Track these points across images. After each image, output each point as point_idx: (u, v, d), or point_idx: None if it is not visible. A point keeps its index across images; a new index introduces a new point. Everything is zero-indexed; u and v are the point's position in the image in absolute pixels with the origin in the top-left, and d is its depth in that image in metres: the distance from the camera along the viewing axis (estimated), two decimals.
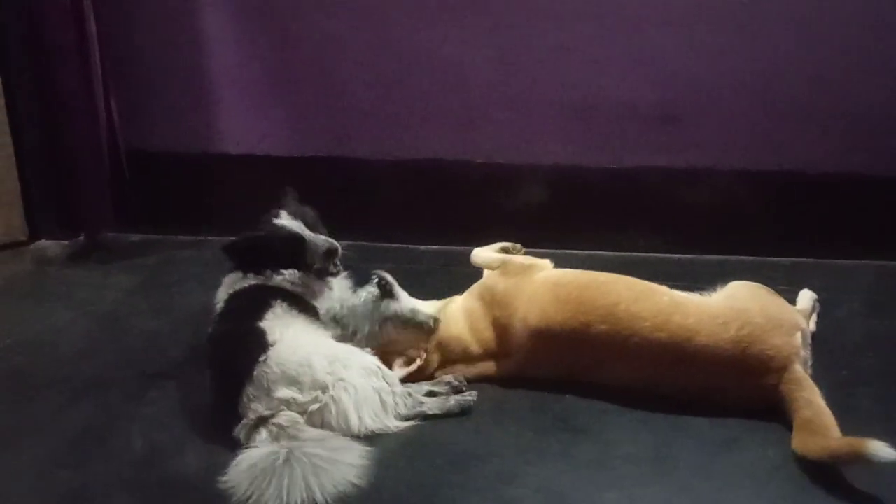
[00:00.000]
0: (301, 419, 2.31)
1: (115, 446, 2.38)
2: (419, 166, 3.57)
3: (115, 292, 3.26)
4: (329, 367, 2.34)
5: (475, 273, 2.91)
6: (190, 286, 3.29)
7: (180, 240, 3.69)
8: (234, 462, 2.18)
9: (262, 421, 2.29)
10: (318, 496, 2.08)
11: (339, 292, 2.78)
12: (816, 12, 3.24)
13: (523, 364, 2.59)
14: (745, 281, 2.66)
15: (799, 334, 2.45)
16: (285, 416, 2.29)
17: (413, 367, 2.57)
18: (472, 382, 2.58)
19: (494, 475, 2.23)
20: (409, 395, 2.44)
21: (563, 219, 3.53)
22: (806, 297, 2.81)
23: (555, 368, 2.58)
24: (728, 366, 2.39)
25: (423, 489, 2.18)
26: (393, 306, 2.62)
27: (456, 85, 3.48)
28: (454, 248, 3.51)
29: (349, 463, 2.18)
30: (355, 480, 2.15)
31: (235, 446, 2.27)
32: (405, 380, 2.52)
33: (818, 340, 2.70)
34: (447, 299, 2.77)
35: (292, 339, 2.40)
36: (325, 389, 2.32)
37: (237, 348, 2.40)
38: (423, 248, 3.60)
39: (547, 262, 2.79)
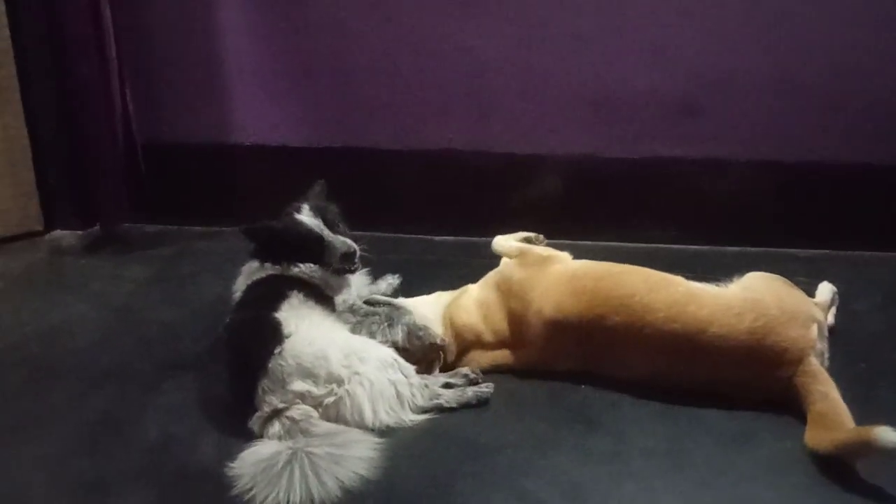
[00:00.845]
0: (315, 412, 2.31)
1: (131, 436, 2.40)
2: (435, 157, 3.56)
3: (130, 283, 3.27)
4: (345, 361, 2.34)
5: (491, 264, 2.89)
6: (205, 277, 3.29)
7: (196, 231, 3.69)
8: (241, 455, 2.19)
9: (276, 413, 2.29)
10: (318, 496, 2.08)
11: (356, 288, 2.78)
12: (837, 3, 3.20)
13: (538, 355, 2.58)
14: (762, 272, 2.64)
15: (815, 326, 2.43)
16: (299, 410, 2.29)
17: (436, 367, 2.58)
18: (487, 373, 2.58)
19: (509, 467, 2.22)
20: (426, 386, 2.44)
21: (581, 209, 3.51)
22: (825, 290, 2.78)
23: (569, 360, 2.57)
24: (742, 357, 2.38)
25: (437, 480, 2.18)
26: (407, 317, 2.61)
27: (472, 75, 3.46)
28: (470, 238, 3.51)
29: (358, 457, 2.18)
30: (365, 474, 2.15)
31: (250, 437, 2.28)
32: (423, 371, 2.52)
33: (837, 333, 2.68)
34: (461, 288, 2.77)
35: (308, 332, 2.39)
36: (340, 383, 2.32)
37: (253, 339, 2.40)
38: (438, 238, 3.59)
39: (566, 255, 2.78)
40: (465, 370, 2.53)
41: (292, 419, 2.27)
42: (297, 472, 2.10)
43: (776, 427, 2.33)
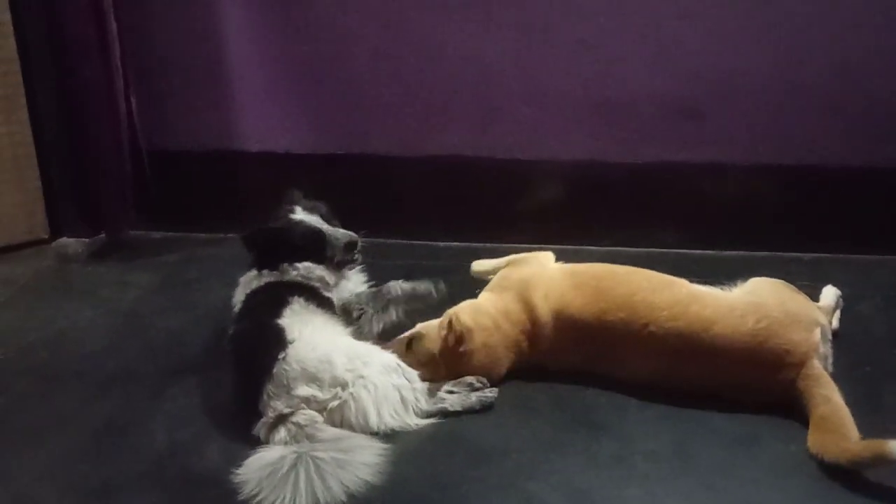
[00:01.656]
0: (320, 417, 2.32)
1: (137, 441, 2.40)
2: (439, 163, 3.56)
3: (136, 289, 3.28)
4: (349, 365, 2.35)
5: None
6: (210, 283, 3.30)
7: (201, 237, 3.70)
8: (247, 460, 2.20)
9: (282, 419, 2.30)
10: (323, 501, 2.09)
11: (354, 285, 2.79)
12: (839, 4, 3.20)
13: (546, 350, 2.57)
14: (766, 277, 2.65)
15: (818, 330, 2.43)
16: (304, 415, 2.30)
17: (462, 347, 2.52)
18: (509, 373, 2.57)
19: (515, 471, 2.23)
20: (431, 391, 2.44)
21: (584, 215, 3.52)
22: (829, 293, 2.79)
23: (574, 356, 2.57)
24: (745, 359, 2.38)
25: (443, 485, 2.19)
26: (393, 286, 2.64)
27: (476, 81, 3.47)
28: (474, 244, 3.52)
29: (363, 462, 2.19)
30: (370, 479, 2.16)
31: (256, 442, 2.29)
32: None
33: (841, 336, 2.68)
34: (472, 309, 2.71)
35: (311, 337, 2.40)
36: (344, 387, 2.33)
37: (257, 347, 2.41)
38: (442, 244, 3.59)
39: (549, 254, 2.81)
40: (469, 378, 2.52)
41: (298, 424, 2.28)
42: (302, 477, 2.11)
43: (781, 430, 2.33)
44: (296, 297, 2.53)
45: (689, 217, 3.49)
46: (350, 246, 2.68)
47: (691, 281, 2.61)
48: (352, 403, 2.32)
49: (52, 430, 2.46)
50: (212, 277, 3.34)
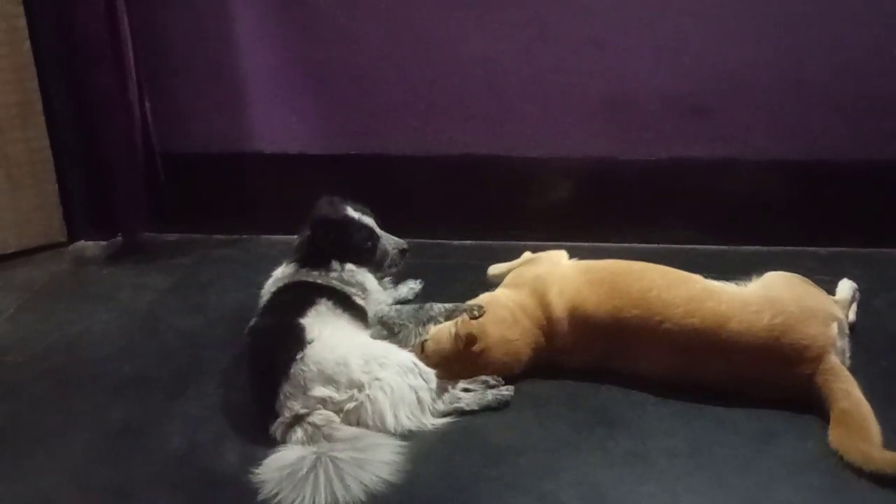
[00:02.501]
0: (336, 418, 2.32)
1: (155, 443, 2.42)
2: (450, 162, 3.57)
3: (152, 292, 3.30)
4: (365, 366, 2.35)
5: None
6: (225, 285, 3.31)
7: (215, 239, 3.72)
8: (266, 461, 2.21)
9: (298, 419, 2.30)
10: (342, 500, 2.09)
11: (386, 296, 2.79)
12: (845, 0, 3.18)
13: (562, 347, 2.57)
14: (781, 272, 2.64)
15: (835, 325, 2.42)
16: (320, 416, 2.30)
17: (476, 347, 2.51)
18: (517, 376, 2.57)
19: (530, 469, 2.23)
20: (446, 390, 2.44)
21: (596, 212, 3.51)
22: (845, 287, 2.77)
23: (589, 353, 2.56)
24: (761, 354, 2.37)
25: (459, 483, 2.19)
26: (437, 306, 2.63)
27: (486, 80, 3.47)
28: (487, 242, 3.52)
29: (381, 461, 2.19)
30: (388, 477, 2.16)
31: (273, 443, 2.30)
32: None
33: (857, 330, 2.67)
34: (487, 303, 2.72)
35: (330, 338, 2.41)
36: (361, 388, 2.33)
37: (275, 344, 2.41)
38: (455, 243, 3.59)
39: (563, 252, 2.81)
40: (483, 377, 2.52)
41: (314, 425, 2.28)
42: (321, 477, 2.11)
43: (798, 426, 2.33)
44: (324, 300, 2.53)
45: (701, 213, 3.48)
46: (402, 253, 2.71)
47: (706, 277, 2.60)
48: (368, 405, 2.32)
49: (70, 433, 2.48)
50: (226, 279, 3.36)
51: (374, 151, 3.61)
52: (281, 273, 2.72)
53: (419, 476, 2.20)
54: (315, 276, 2.64)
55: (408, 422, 2.35)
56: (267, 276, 2.79)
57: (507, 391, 2.48)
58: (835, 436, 2.22)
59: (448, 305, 2.64)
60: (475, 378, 2.51)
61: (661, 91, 3.37)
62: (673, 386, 2.47)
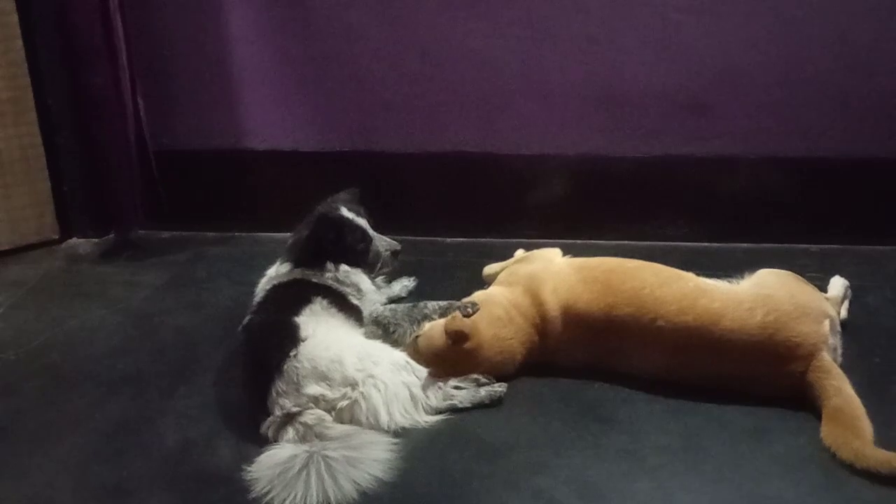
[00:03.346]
0: (328, 417, 2.32)
1: (149, 441, 2.42)
2: (445, 159, 3.57)
3: (146, 289, 3.30)
4: (359, 364, 2.35)
5: None
6: (219, 282, 3.31)
7: (209, 236, 3.71)
8: (259, 458, 2.21)
9: (290, 418, 2.30)
10: (334, 499, 2.09)
11: (380, 295, 2.79)
12: None
13: (556, 345, 2.57)
14: (773, 269, 2.64)
15: (827, 322, 2.43)
16: (312, 415, 2.30)
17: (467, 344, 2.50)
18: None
19: (524, 466, 2.23)
20: (439, 388, 2.44)
21: (591, 209, 3.52)
22: (837, 285, 2.79)
23: (583, 351, 2.57)
24: (754, 352, 2.38)
25: (452, 480, 2.19)
26: (431, 303, 2.63)
27: (481, 77, 3.47)
28: (481, 240, 3.53)
29: (374, 459, 2.19)
30: (381, 475, 2.16)
31: (267, 441, 2.30)
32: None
33: (850, 328, 2.68)
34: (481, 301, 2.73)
35: (324, 336, 2.41)
36: (354, 386, 2.33)
37: (269, 341, 2.42)
38: (449, 240, 3.60)
39: (556, 250, 2.81)
40: (475, 375, 2.52)
41: (306, 424, 2.28)
42: (313, 475, 2.11)
43: (791, 423, 2.34)
44: (318, 298, 2.53)
45: (696, 210, 3.48)
46: (394, 255, 2.71)
47: (699, 274, 2.61)
48: (362, 402, 2.32)
49: (64, 431, 2.48)
50: (221, 276, 3.36)
51: (367, 149, 3.60)
52: (275, 272, 2.72)
53: (412, 473, 2.20)
54: (310, 276, 2.64)
55: (402, 419, 2.35)
56: (261, 273, 2.80)
57: (500, 388, 2.48)
58: (827, 433, 2.23)
59: (442, 303, 2.64)
60: (466, 377, 2.51)
61: (655, 88, 3.38)
62: (665, 383, 2.48)
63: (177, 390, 2.63)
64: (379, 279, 2.89)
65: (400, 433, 2.33)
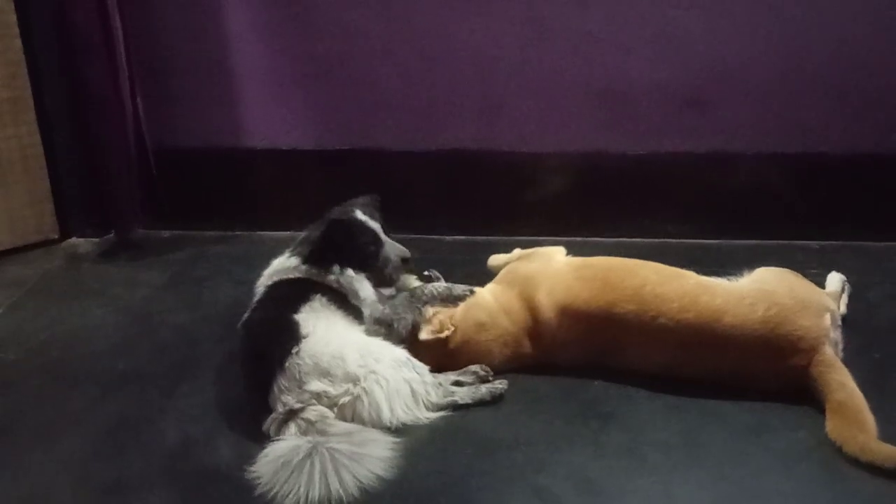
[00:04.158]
0: (330, 413, 2.31)
1: (150, 439, 2.42)
2: (444, 157, 3.57)
3: (146, 288, 3.30)
4: (361, 360, 2.35)
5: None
6: (219, 281, 3.32)
7: (209, 235, 3.72)
8: (263, 452, 2.20)
9: (292, 415, 2.30)
10: (336, 492, 2.09)
11: (380, 297, 2.77)
12: None
13: (552, 346, 2.58)
14: (772, 267, 2.65)
15: (828, 316, 2.43)
16: (314, 411, 2.30)
17: (444, 334, 2.54)
18: (508, 371, 2.58)
19: (524, 463, 2.23)
20: (440, 384, 2.45)
21: (590, 206, 3.52)
22: (834, 280, 2.80)
23: (582, 350, 2.57)
24: (756, 347, 2.38)
25: (452, 477, 2.19)
26: (429, 288, 2.64)
27: (479, 74, 3.47)
28: (480, 237, 3.53)
29: (376, 456, 2.19)
30: (382, 474, 2.16)
31: (267, 438, 2.29)
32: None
33: (850, 323, 2.68)
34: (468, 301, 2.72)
35: (325, 332, 2.41)
36: (356, 382, 2.33)
37: (270, 338, 2.41)
38: (448, 238, 3.60)
39: (560, 249, 2.81)
40: (474, 367, 2.54)
41: (308, 420, 2.28)
42: (317, 467, 2.11)
43: (790, 418, 2.34)
44: (318, 296, 2.52)
45: (695, 207, 3.49)
46: (403, 262, 2.70)
47: (700, 272, 2.61)
48: (364, 398, 2.32)
49: (65, 429, 2.48)
50: (220, 275, 3.36)
51: (367, 147, 3.61)
52: (280, 265, 2.70)
53: (412, 470, 2.20)
54: (313, 274, 2.63)
55: (403, 415, 2.35)
56: (261, 272, 2.78)
57: (500, 385, 2.49)
58: (832, 427, 2.23)
59: (441, 287, 2.64)
60: (465, 370, 2.52)
61: (656, 84, 3.38)
62: (665, 379, 2.48)
63: (177, 389, 2.63)
64: (387, 291, 2.86)
65: (401, 430, 2.33)
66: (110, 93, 3.46)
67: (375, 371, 2.35)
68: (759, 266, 2.65)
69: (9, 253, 3.61)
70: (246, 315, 2.58)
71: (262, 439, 2.29)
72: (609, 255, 2.73)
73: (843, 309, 2.71)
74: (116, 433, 2.45)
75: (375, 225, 2.72)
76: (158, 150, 3.66)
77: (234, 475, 2.20)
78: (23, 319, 3.12)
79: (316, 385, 2.31)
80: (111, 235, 3.70)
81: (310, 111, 3.61)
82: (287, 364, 2.33)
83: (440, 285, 2.67)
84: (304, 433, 2.26)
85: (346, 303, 2.60)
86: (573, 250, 2.82)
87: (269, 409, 2.33)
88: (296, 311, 2.46)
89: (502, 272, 2.79)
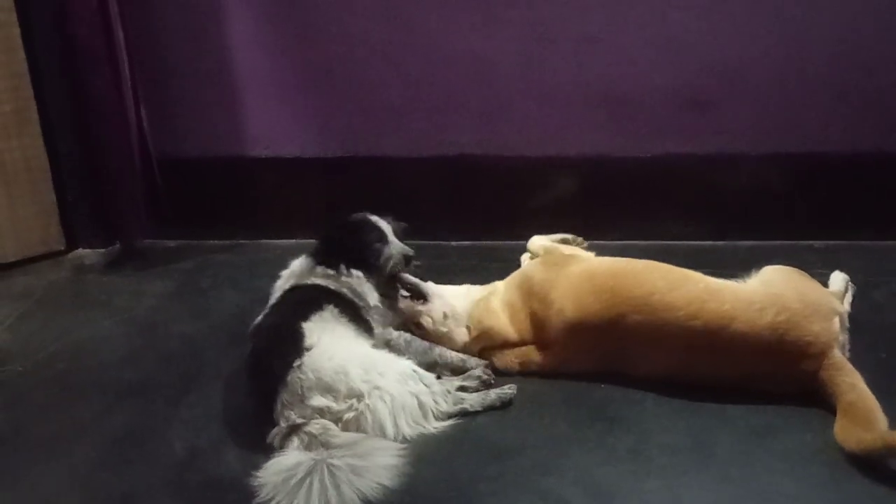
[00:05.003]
0: (333, 426, 2.30)
1: (156, 449, 2.42)
2: (447, 162, 3.57)
3: (152, 298, 3.31)
4: (365, 375, 2.34)
5: (505, 268, 2.93)
6: (225, 290, 3.32)
7: (214, 244, 3.73)
8: (266, 465, 2.20)
9: (295, 429, 2.29)
10: None
11: (386, 316, 2.77)
12: None
13: (562, 356, 2.58)
14: (779, 266, 2.64)
15: (837, 319, 2.43)
16: (317, 425, 2.29)
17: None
18: (509, 374, 2.61)
19: (531, 467, 2.23)
20: (449, 392, 2.44)
21: (595, 209, 3.51)
22: (838, 279, 2.79)
23: (592, 360, 2.57)
24: (765, 352, 2.37)
25: (460, 483, 2.19)
26: (446, 355, 2.63)
27: (482, 80, 3.47)
28: (484, 242, 3.53)
29: (381, 465, 2.18)
30: (387, 482, 2.15)
31: (273, 448, 2.29)
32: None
33: (856, 323, 2.67)
34: (491, 285, 2.79)
35: (329, 345, 2.39)
36: (360, 398, 2.32)
37: (273, 350, 2.41)
38: (453, 243, 3.60)
39: (590, 255, 2.82)
40: (477, 372, 2.54)
41: (311, 434, 2.27)
42: (316, 485, 2.10)
43: (797, 420, 2.34)
44: (330, 306, 2.52)
45: (699, 208, 3.48)
46: (406, 259, 2.71)
47: (706, 273, 2.59)
48: (368, 415, 2.31)
49: (72, 440, 2.48)
50: (225, 284, 3.37)
51: (370, 153, 3.61)
52: (297, 266, 2.71)
53: (419, 477, 2.20)
54: (327, 279, 2.63)
55: (408, 429, 2.34)
56: (267, 280, 2.78)
57: (510, 390, 2.49)
58: (841, 428, 2.22)
59: (456, 358, 2.63)
60: (468, 374, 2.54)
61: (658, 87, 3.38)
62: (671, 382, 2.48)
63: (183, 398, 2.64)
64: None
65: (407, 438, 2.33)
66: (114, 103, 3.47)
67: (380, 386, 2.33)
68: (763, 266, 2.64)
69: (15, 265, 3.62)
70: (258, 320, 2.58)
71: (268, 449, 2.29)
72: (618, 258, 2.73)
73: (847, 307, 2.70)
74: (123, 444, 2.46)
75: (384, 224, 2.72)
76: (162, 159, 3.66)
77: (240, 485, 2.20)
78: (30, 331, 3.13)
79: (319, 401, 2.31)
80: (117, 246, 3.72)
81: (312, 118, 3.62)
82: (289, 378, 2.32)
83: (455, 355, 2.65)
84: (307, 447, 2.25)
85: (357, 315, 2.59)
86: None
87: (272, 420, 2.33)
88: (305, 318, 2.45)
89: (519, 277, 2.78)
